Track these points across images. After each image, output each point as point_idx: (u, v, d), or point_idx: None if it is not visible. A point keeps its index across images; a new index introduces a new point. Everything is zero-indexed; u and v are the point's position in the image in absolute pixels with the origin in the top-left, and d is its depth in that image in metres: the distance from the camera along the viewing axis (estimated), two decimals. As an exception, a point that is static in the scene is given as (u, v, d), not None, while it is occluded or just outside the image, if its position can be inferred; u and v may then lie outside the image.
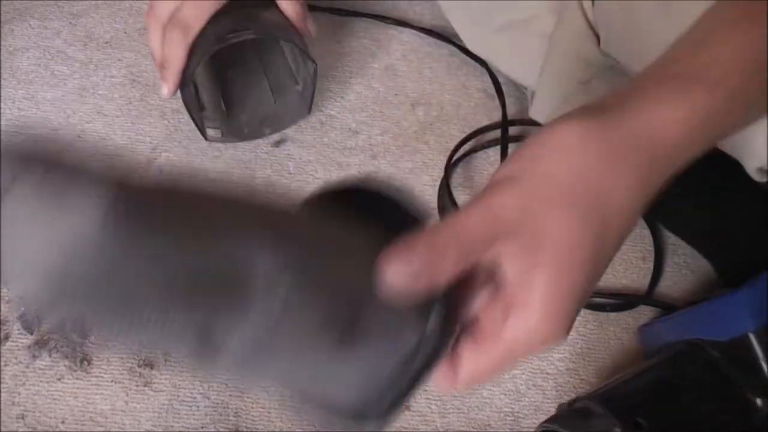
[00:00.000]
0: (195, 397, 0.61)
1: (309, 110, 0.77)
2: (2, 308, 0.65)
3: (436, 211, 0.72)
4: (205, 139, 0.74)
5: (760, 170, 0.61)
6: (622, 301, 0.67)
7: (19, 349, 0.63)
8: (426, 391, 0.62)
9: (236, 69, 0.80)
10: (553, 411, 0.58)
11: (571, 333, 0.65)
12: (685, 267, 0.70)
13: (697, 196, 0.65)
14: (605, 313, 0.66)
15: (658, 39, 0.60)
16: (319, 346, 0.31)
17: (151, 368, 0.63)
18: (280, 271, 0.28)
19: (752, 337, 0.51)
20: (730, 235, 0.64)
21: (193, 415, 0.61)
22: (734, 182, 0.63)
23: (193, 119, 0.72)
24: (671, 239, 0.70)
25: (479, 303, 0.37)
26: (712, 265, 0.68)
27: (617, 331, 0.66)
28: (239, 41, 0.66)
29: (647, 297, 0.67)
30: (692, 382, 0.53)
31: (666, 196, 0.66)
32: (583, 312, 0.66)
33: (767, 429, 0.51)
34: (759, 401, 0.52)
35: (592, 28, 0.67)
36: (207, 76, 0.76)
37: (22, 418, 0.60)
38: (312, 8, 0.89)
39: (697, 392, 0.52)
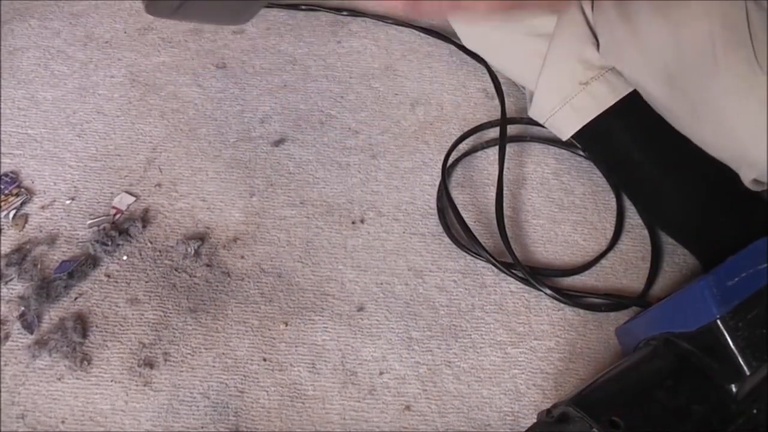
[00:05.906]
0: (195, 397, 0.61)
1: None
2: (2, 308, 0.65)
3: (435, 211, 0.72)
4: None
5: (756, 181, 0.61)
6: (613, 301, 0.67)
7: (19, 349, 0.63)
8: (425, 390, 0.62)
9: None
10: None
11: (571, 333, 0.66)
12: (685, 267, 0.70)
13: (690, 199, 0.65)
14: (604, 314, 0.66)
15: (655, 48, 0.60)
16: None
17: (151, 368, 0.63)
18: None
19: (719, 324, 0.51)
20: (720, 238, 0.64)
21: (193, 414, 0.61)
22: (727, 188, 0.63)
23: None
24: (671, 239, 0.70)
25: None
26: (702, 266, 0.68)
27: (617, 331, 0.66)
28: None
29: (641, 298, 0.67)
30: (665, 376, 0.53)
31: (661, 198, 0.67)
32: (583, 312, 0.66)
33: (743, 414, 0.51)
34: (734, 387, 0.51)
35: (592, 30, 0.67)
36: None
37: (22, 417, 0.60)
38: (312, 8, 0.89)
39: (671, 386, 0.52)
